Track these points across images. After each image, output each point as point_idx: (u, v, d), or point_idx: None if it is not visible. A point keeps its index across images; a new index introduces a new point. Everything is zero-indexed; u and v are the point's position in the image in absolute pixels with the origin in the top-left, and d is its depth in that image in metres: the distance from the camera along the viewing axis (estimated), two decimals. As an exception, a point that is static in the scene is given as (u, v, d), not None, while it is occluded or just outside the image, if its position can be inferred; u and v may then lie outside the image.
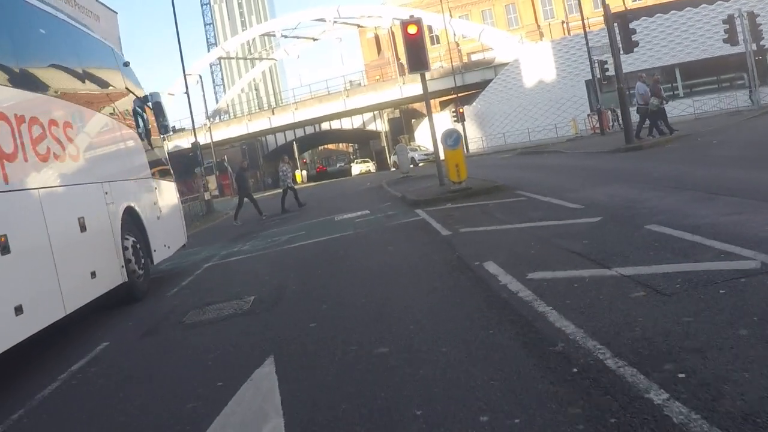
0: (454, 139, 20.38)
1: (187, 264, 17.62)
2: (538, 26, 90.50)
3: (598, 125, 51.31)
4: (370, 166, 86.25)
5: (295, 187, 31.75)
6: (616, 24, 29.25)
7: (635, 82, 32.30)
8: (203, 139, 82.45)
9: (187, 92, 48.11)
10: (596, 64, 49.67)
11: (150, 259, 14.08)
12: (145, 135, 15.54)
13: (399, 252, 12.60)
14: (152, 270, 14.63)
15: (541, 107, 66.25)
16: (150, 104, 16.43)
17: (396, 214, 18.96)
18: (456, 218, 15.20)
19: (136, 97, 15.65)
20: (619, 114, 32.42)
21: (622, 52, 28.73)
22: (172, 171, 17.81)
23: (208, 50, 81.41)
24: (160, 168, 16.55)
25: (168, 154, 19.16)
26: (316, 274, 12.02)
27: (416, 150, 68.76)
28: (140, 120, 15.38)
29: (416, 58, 21.74)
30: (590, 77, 63.64)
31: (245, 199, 30.46)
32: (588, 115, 56.80)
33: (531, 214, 13.68)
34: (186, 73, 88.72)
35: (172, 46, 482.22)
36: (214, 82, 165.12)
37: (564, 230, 11.15)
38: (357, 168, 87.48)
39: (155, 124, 16.59)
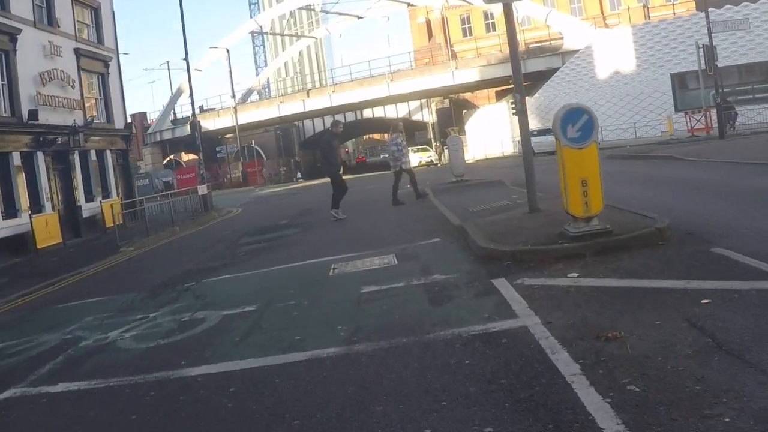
0: (583, 127, 9.68)
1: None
2: (604, 17, 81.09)
3: (702, 125, 41.77)
4: (433, 157, 70.70)
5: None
6: None
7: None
8: (229, 121, 74.81)
9: (187, 67, 38.61)
10: (701, 50, 39.90)
11: None
12: None
13: None
14: None
15: (615, 103, 57.41)
16: None
17: (454, 284, 9.14)
18: (634, 349, 5.66)
19: None
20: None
21: None
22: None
23: (251, 16, 74.18)
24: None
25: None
26: None
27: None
28: None
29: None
30: (677, 70, 55.34)
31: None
32: (687, 113, 46.86)
33: None
34: (213, 47, 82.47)
35: (200, 17, 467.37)
36: (256, 60, 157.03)
37: None
38: (415, 158, 64.89)
39: None
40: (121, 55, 38.00)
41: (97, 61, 34.96)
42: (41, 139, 28.27)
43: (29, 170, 27.82)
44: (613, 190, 14.90)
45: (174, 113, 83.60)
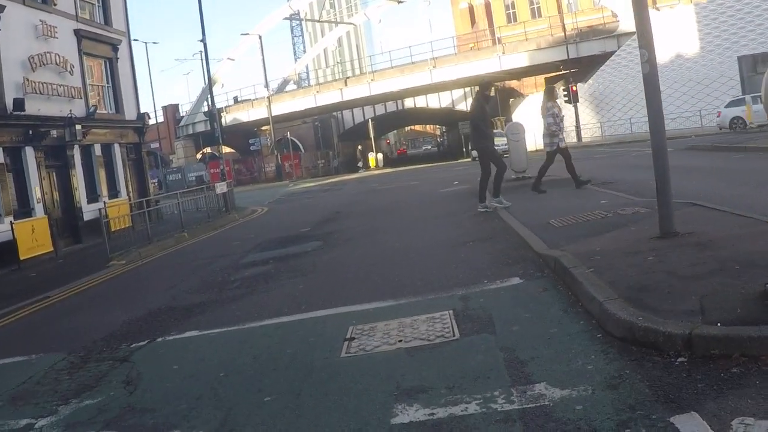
0: None
1: None
2: (654, 0, 76.04)
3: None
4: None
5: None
6: None
7: None
8: (264, 113, 71.38)
9: (204, 49, 34.47)
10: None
11: None
12: None
13: None
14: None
15: (677, 89, 52.74)
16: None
17: (588, 419, 4.34)
18: None
19: None
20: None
21: None
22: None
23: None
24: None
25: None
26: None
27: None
28: None
29: None
30: (745, 52, 50.59)
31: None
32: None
33: None
34: (245, 33, 78.72)
35: (229, 6, 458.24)
36: (295, 50, 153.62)
37: None
38: None
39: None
40: (151, 45, 34.28)
41: (103, 45, 30.92)
42: (30, 132, 24.29)
43: (16, 168, 23.89)
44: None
45: (208, 104, 79.95)
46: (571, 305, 6.95)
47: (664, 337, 5.18)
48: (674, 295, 6.09)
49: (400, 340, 6.70)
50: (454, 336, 6.60)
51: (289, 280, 11.45)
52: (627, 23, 58.09)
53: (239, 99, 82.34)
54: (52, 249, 23.73)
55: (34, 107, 24.37)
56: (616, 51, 57.81)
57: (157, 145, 74.90)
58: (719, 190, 13.66)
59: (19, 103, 23.23)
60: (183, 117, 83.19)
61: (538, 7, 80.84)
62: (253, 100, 78.92)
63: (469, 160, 60.96)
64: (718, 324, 5.14)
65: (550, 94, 17.61)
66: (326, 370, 6.23)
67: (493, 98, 75.01)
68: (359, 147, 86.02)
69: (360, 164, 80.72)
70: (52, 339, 10.20)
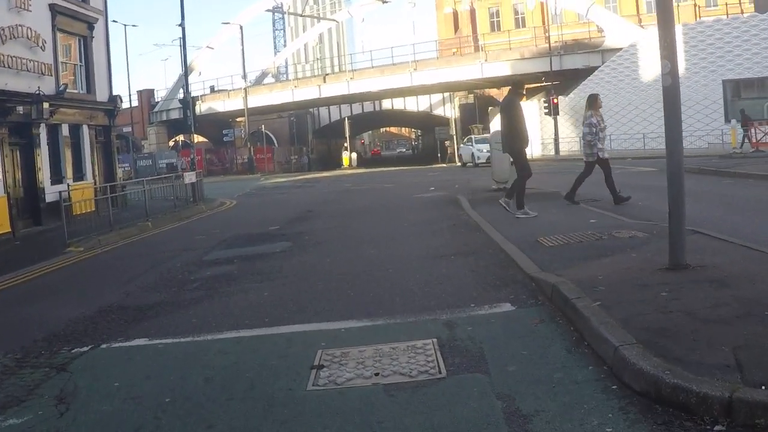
0: None
1: None
2: (639, 18, 75.80)
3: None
4: None
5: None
6: None
7: None
8: (240, 104, 70.40)
9: (183, 34, 33.46)
10: None
11: None
12: None
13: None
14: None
15: (659, 107, 50.99)
16: None
17: None
18: None
19: None
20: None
21: None
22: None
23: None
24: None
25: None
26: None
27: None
28: None
29: None
30: (730, 76, 50.23)
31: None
32: (752, 125, 41.02)
33: None
34: (225, 22, 77.58)
35: None
36: (275, 43, 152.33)
37: None
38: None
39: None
40: (130, 27, 33.06)
41: (79, 22, 29.74)
42: (-6, 107, 23.21)
43: (-23, 143, 22.82)
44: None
45: (184, 91, 78.75)
46: (575, 344, 6.07)
47: (698, 398, 4.34)
48: (701, 344, 5.25)
49: (377, 373, 5.79)
50: (440, 373, 5.69)
51: (254, 284, 10.53)
52: (613, 39, 57.73)
53: (216, 88, 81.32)
54: (9, 230, 22.65)
55: (1, 81, 23.25)
56: (600, 66, 57.20)
57: (129, 129, 73.52)
58: (716, 217, 12.92)
59: (-17, 76, 22.18)
60: (158, 103, 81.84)
61: (523, 17, 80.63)
62: (230, 90, 77.82)
63: (444, 165, 60.31)
64: (763, 387, 4.31)
65: (591, 103, 16.71)
66: (289, 407, 5.31)
67: (472, 105, 74.77)
68: (345, 144, 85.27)
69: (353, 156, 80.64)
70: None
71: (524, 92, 15.27)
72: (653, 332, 5.62)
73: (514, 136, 14.56)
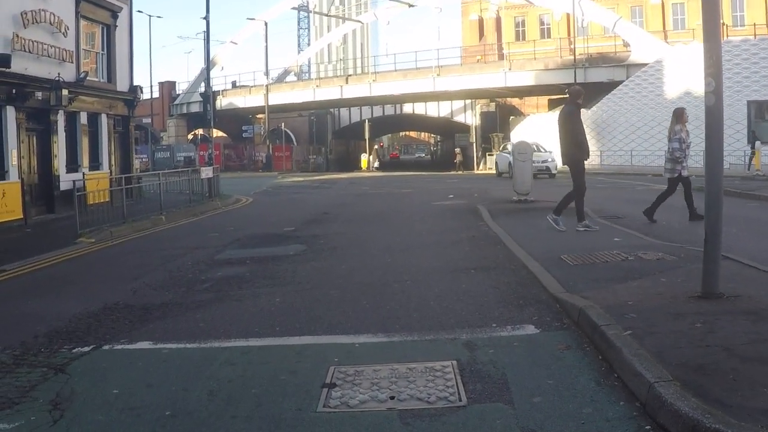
0: None
1: None
2: (666, 35, 75.23)
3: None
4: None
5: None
6: None
7: None
8: (261, 100, 70.27)
9: (207, 27, 33.21)
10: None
11: None
12: None
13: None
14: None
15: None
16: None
17: None
18: None
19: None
20: None
21: None
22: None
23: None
24: None
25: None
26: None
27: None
28: None
29: None
30: (755, 97, 49.64)
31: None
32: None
33: None
34: (251, 18, 77.45)
35: None
36: (299, 42, 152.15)
37: None
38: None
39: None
40: (155, 18, 32.80)
41: (103, 10, 29.53)
42: (14, 91, 22.94)
43: (-6, 127, 22.61)
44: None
45: (206, 86, 78.53)
46: (604, 375, 5.69)
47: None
48: (742, 384, 4.87)
49: (392, 397, 5.44)
50: (460, 400, 5.32)
51: (266, 289, 10.20)
52: (638, 54, 57.13)
53: (237, 84, 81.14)
54: (22, 216, 22.41)
55: (21, 65, 23.01)
56: (624, 81, 56.71)
57: (149, 120, 73.49)
58: (746, 242, 12.45)
59: (5, 59, 21.90)
60: (179, 95, 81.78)
61: (549, 28, 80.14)
62: (251, 86, 77.59)
63: (460, 172, 59.87)
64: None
65: (678, 117, 16.03)
66: (297, 430, 4.96)
67: (493, 113, 74.35)
68: (376, 146, 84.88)
69: (377, 165, 79.25)
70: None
71: (581, 102, 14.69)
72: (690, 369, 5.23)
73: (575, 148, 14.14)
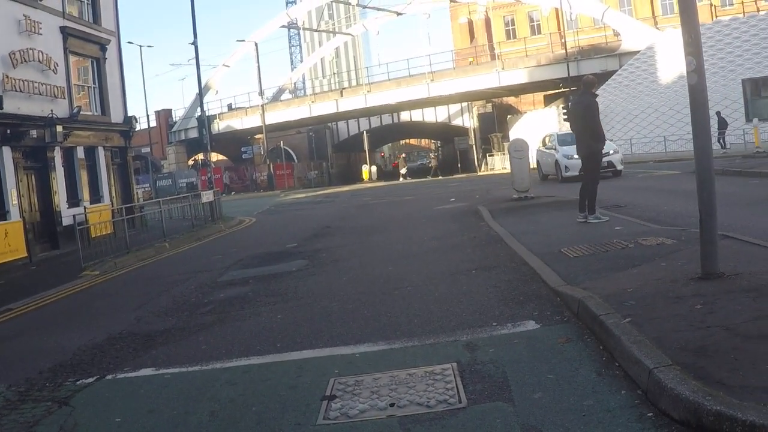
0: None
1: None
2: (655, 20, 75.13)
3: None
4: None
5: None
6: None
7: None
8: (258, 121, 70.38)
9: (196, 53, 33.21)
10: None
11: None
12: None
13: None
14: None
15: (679, 110, 51.21)
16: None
17: None
18: None
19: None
20: None
21: None
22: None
23: (287, 5, 69.84)
24: None
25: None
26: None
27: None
28: None
29: None
30: (749, 75, 49.63)
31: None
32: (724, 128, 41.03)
33: None
34: (240, 40, 77.52)
35: (227, 13, 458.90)
36: (292, 59, 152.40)
37: None
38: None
39: None
40: (145, 48, 32.83)
41: (91, 44, 29.61)
42: (8, 131, 23.00)
43: (-9, 168, 22.66)
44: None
45: (201, 110, 78.67)
46: (605, 365, 5.63)
47: (744, 427, 3.89)
48: (744, 363, 4.79)
49: (392, 404, 5.39)
50: (459, 402, 5.27)
51: (267, 307, 10.17)
52: (629, 42, 57.11)
53: (233, 106, 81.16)
54: (26, 254, 22.53)
55: (13, 105, 23.09)
56: (617, 70, 56.58)
57: (147, 149, 73.64)
58: (747, 220, 12.37)
59: (-4, 100, 22.02)
60: (176, 122, 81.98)
61: (538, 24, 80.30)
62: (247, 108, 77.72)
63: (464, 175, 59.75)
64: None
65: None
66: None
67: (490, 114, 74.32)
68: (402, 155, 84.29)
69: (404, 171, 77.95)
70: (-3, 364, 8.94)
71: (596, 92, 14.54)
72: (690, 352, 5.16)
73: (591, 138, 13.95)
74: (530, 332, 6.99)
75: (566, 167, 29.85)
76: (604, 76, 57.01)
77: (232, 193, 70.12)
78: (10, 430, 6.10)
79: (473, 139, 75.13)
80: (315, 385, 6.13)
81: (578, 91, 14.86)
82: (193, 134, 73.34)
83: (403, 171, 77.28)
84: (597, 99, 14.25)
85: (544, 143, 36.05)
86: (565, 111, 55.55)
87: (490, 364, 6.07)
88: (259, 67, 72.90)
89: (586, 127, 13.92)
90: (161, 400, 6.44)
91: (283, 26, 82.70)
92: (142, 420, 5.93)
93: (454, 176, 62.82)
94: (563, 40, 61.08)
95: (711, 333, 5.56)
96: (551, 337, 6.71)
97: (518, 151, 20.97)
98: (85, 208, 25.94)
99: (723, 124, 42.52)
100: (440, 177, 64.11)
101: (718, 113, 42.88)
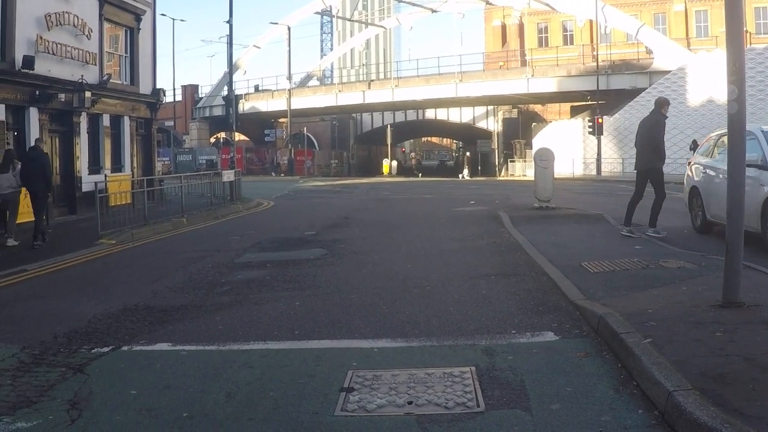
0: None
1: None
2: (688, 42, 74.68)
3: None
4: None
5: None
6: None
7: None
8: (284, 104, 70.47)
9: (230, 31, 33.32)
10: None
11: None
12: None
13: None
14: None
15: (704, 134, 50.61)
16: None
17: None
18: None
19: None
20: None
21: None
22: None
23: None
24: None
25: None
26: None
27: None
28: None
29: None
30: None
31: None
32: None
33: None
34: (273, 22, 77.71)
35: None
36: (322, 47, 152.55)
37: None
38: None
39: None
40: (179, 22, 32.89)
41: (127, 13, 29.72)
42: (37, 93, 23.11)
43: (17, 129, 22.71)
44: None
45: (229, 89, 78.70)
46: (623, 383, 5.65)
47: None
48: (762, 394, 4.80)
49: (410, 402, 5.42)
50: (478, 406, 5.30)
51: (285, 293, 10.20)
52: (661, 61, 56.81)
53: (260, 88, 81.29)
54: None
55: (44, 67, 23.22)
56: (647, 88, 56.29)
57: (171, 123, 73.85)
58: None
59: (28, 61, 22.10)
60: (201, 99, 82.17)
61: (571, 35, 79.81)
62: (274, 90, 77.86)
63: (483, 178, 59.57)
64: None
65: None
66: (314, 434, 4.96)
67: (515, 119, 74.16)
68: (413, 154, 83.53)
69: (465, 172, 72.97)
70: (11, 324, 8.98)
71: (666, 113, 14.82)
72: (709, 378, 5.17)
73: (655, 156, 14.47)
74: (549, 343, 7.02)
75: None
76: (632, 93, 56.84)
77: (250, 175, 70.27)
78: (24, 393, 6.11)
79: (496, 143, 74.97)
80: (333, 376, 6.17)
81: (650, 109, 15.16)
82: (218, 112, 73.46)
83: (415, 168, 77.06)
84: (666, 119, 14.60)
85: (711, 154, 15.89)
86: (590, 124, 55.44)
87: (508, 371, 6.10)
88: (289, 51, 73.01)
89: (651, 144, 14.41)
90: (177, 376, 6.48)
91: (317, 12, 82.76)
92: (158, 395, 5.96)
93: (475, 178, 62.68)
94: (595, 53, 60.84)
95: (730, 361, 5.56)
96: (570, 350, 6.73)
97: (543, 160, 20.89)
98: (105, 176, 26.08)
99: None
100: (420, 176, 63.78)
101: (694, 141, 42.51)
